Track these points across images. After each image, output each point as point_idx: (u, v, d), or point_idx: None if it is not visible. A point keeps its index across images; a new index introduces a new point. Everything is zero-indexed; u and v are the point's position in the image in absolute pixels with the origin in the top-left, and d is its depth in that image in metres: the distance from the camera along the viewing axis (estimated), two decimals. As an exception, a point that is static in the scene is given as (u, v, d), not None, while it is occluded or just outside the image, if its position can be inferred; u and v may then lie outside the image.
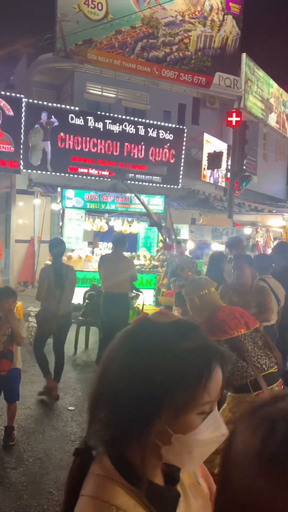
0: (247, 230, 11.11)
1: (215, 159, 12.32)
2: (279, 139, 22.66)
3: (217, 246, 10.05)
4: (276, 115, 21.62)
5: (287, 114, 22.81)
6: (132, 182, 12.64)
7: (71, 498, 0.86)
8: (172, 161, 13.47)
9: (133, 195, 10.03)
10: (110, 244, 10.94)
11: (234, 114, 10.66)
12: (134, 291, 6.74)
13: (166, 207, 10.68)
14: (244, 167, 12.09)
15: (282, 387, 2.91)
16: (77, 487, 0.86)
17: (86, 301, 7.31)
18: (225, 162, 13.73)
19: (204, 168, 14.32)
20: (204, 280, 3.18)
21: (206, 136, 14.40)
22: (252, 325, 2.93)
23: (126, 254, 7.36)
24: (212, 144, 14.87)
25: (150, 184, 13.14)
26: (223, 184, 15.00)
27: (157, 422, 0.81)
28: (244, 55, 17.32)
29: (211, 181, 14.97)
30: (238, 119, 10.64)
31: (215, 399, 0.86)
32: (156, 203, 10.65)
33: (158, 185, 13.35)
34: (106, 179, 12.75)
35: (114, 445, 0.86)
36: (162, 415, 0.81)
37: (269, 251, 11.43)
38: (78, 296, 8.11)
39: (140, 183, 12.93)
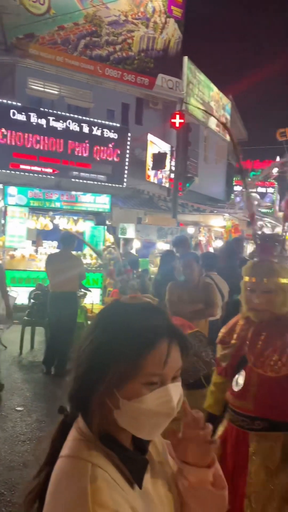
0: (190, 230, 11.42)
1: (159, 160, 12.52)
2: (219, 141, 23.44)
3: (163, 245, 10.25)
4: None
5: (226, 117, 23.64)
6: (77, 180, 12.54)
7: (53, 461, 0.94)
8: (117, 160, 13.50)
9: (78, 193, 9.97)
10: (54, 243, 10.83)
11: (177, 116, 10.89)
12: (82, 290, 6.72)
13: (112, 206, 10.71)
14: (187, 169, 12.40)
15: None
16: (58, 451, 0.94)
17: (32, 300, 7.17)
18: (168, 163, 14.00)
19: (148, 169, 14.50)
20: None
21: (150, 137, 14.58)
22: (192, 329, 3.08)
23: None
24: (155, 145, 15.08)
25: (95, 182, 13.09)
26: (167, 185, 15.28)
27: (105, 384, 0.93)
28: (185, 58, 17.75)
29: (155, 182, 15.19)
30: (182, 121, 10.89)
31: (166, 373, 0.95)
32: (102, 202, 10.65)
33: (103, 184, 13.33)
34: (49, 176, 12.54)
35: (77, 401, 0.98)
36: (109, 378, 0.92)
37: (210, 249, 11.82)
38: (23, 296, 7.96)
39: (85, 181, 12.85)
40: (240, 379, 2.10)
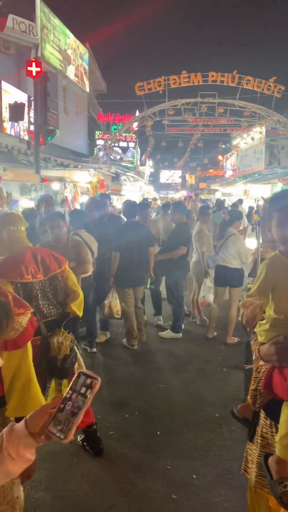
0: (55, 186, 11.12)
1: (17, 111, 11.70)
2: (79, 92, 22.78)
3: (26, 203, 9.82)
4: (74, 68, 21.53)
5: (84, 67, 22.94)
6: None
7: None
8: None
9: None
10: None
11: (33, 64, 10.19)
12: None
13: None
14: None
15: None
16: None
17: None
18: (26, 115, 13.17)
19: (4, 120, 13.49)
20: (16, 215, 3.13)
21: (4, 85, 13.46)
22: (52, 271, 3.05)
23: None
24: (10, 94, 14.01)
25: None
26: (26, 137, 14.47)
27: None
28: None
29: (13, 134, 14.24)
30: (38, 69, 10.22)
31: None
32: None
33: None
34: None
35: None
36: None
37: (77, 205, 11.71)
38: None
39: None
40: None
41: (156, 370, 5.07)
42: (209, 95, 19.79)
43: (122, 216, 6.70)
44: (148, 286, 6.14)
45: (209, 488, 3.01)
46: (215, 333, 6.14)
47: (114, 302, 5.49)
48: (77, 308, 3.21)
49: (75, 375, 1.14)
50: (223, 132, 24.70)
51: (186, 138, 25.24)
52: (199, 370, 5.09)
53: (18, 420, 1.71)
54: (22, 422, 1.12)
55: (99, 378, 1.13)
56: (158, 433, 3.70)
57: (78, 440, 3.46)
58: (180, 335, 6.04)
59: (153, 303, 6.65)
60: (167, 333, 6.06)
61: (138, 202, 7.88)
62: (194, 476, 3.13)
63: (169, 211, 6.69)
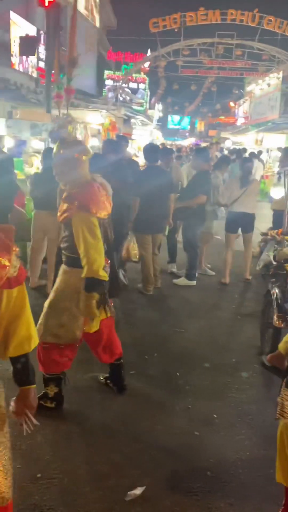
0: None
1: (27, 45, 11.11)
2: (88, 28, 21.56)
3: (37, 143, 9.58)
4: (84, 0, 20.26)
5: (95, 0, 21.59)
6: None
7: None
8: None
9: None
10: None
11: (47, -7, 9.55)
12: None
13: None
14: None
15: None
16: None
17: None
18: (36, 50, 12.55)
19: (13, 55, 12.86)
20: (84, 145, 3.14)
21: (13, 16, 12.69)
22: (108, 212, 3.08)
23: None
24: (20, 26, 13.25)
25: None
26: (35, 75, 13.86)
27: None
28: None
29: (21, 70, 13.63)
30: (51, -1, 9.62)
31: None
32: None
33: None
34: None
35: None
36: None
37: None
38: None
39: None
40: None
41: (172, 315, 5.17)
42: (226, 35, 18.76)
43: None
44: (166, 233, 6.13)
45: (230, 427, 3.15)
46: (228, 280, 6.23)
47: (132, 246, 5.50)
48: None
49: None
50: (238, 77, 23.68)
51: (200, 81, 24.22)
52: (214, 317, 5.18)
53: (18, 359, 1.74)
54: None
55: None
56: (178, 374, 3.82)
57: (101, 378, 3.58)
58: (194, 283, 6.10)
59: (169, 251, 6.66)
60: (182, 281, 6.12)
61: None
62: (215, 416, 3.26)
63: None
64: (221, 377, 3.82)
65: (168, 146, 17.18)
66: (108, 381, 3.54)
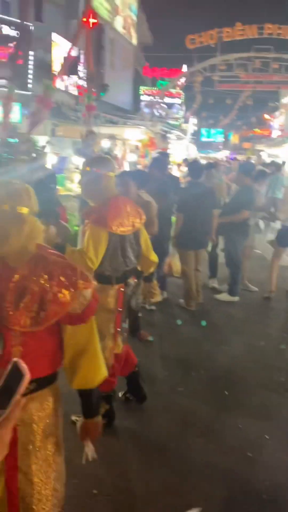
0: (105, 143, 11.02)
1: (72, 65, 11.46)
2: (126, 45, 22.06)
3: (78, 160, 9.80)
4: (122, 19, 20.77)
5: (132, 18, 22.08)
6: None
7: None
8: (19, 62, 12.11)
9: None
10: None
11: (90, 14, 9.85)
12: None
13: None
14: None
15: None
16: None
17: None
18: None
19: (55, 74, 13.30)
20: (109, 160, 3.10)
21: (55, 37, 13.20)
22: (137, 225, 3.05)
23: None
24: (60, 46, 13.73)
25: (-4, 88, 11.72)
26: (75, 93, 14.27)
27: None
28: None
29: (62, 88, 14.07)
30: (95, 20, 9.90)
31: None
32: (11, 112, 9.60)
33: (3, 89, 11.97)
34: None
35: None
36: None
37: (125, 164, 11.61)
38: None
39: (-16, 87, 11.43)
40: None
41: (215, 331, 5.14)
42: (263, 49, 18.73)
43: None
44: (209, 249, 6.12)
45: (284, 449, 3.09)
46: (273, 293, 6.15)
47: (174, 261, 5.52)
48: (147, 267, 3.30)
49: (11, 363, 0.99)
50: (273, 90, 23.50)
51: (235, 95, 24.20)
52: (259, 333, 5.11)
53: (82, 393, 1.74)
54: None
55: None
56: (226, 392, 3.78)
57: (120, 396, 3.50)
58: (237, 298, 6.04)
59: (209, 265, 6.63)
60: (224, 296, 6.08)
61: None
62: (267, 437, 3.21)
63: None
64: (271, 396, 3.76)
65: (201, 159, 17.21)
66: (127, 394, 3.52)
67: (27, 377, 0.93)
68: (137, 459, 2.95)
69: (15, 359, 0.99)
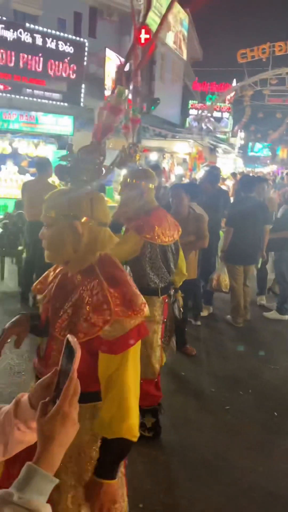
0: (154, 156, 11.13)
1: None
2: (176, 60, 22.30)
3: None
4: (173, 35, 21.05)
5: (183, 34, 22.32)
6: (30, 99, 11.57)
7: None
8: (73, 77, 12.51)
9: (39, 113, 9.21)
10: (15, 168, 10.18)
11: (143, 31, 10.10)
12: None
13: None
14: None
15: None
16: None
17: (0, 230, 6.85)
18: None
19: (106, 88, 13.64)
20: (151, 172, 3.08)
21: (108, 52, 13.55)
22: (176, 237, 3.06)
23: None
24: (113, 61, 14.07)
25: (50, 102, 12.16)
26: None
27: None
28: None
29: (113, 102, 14.37)
30: (148, 36, 10.13)
31: None
32: (64, 124, 9.96)
33: (58, 103, 12.40)
34: (0, 93, 11.45)
35: None
36: None
37: (172, 177, 11.66)
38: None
39: (39, 100, 11.89)
40: None
41: (264, 350, 5.00)
42: (316, 63, 18.40)
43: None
44: (259, 265, 6.01)
45: None
46: None
47: (223, 276, 5.45)
48: (179, 280, 3.28)
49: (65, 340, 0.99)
50: None
51: (285, 109, 23.84)
52: (309, 354, 4.93)
53: (104, 441, 1.46)
54: (26, 397, 1.05)
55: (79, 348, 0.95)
56: (275, 413, 3.67)
57: (148, 429, 3.15)
58: (287, 317, 5.87)
59: (258, 282, 6.50)
60: (273, 314, 5.93)
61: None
62: None
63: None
64: None
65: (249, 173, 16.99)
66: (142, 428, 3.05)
67: (79, 351, 0.94)
68: (183, 475, 2.90)
69: (68, 336, 0.98)
